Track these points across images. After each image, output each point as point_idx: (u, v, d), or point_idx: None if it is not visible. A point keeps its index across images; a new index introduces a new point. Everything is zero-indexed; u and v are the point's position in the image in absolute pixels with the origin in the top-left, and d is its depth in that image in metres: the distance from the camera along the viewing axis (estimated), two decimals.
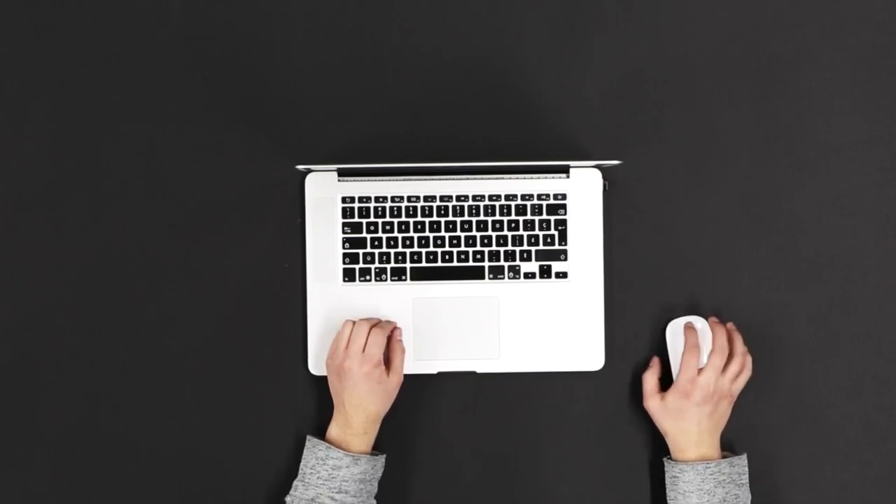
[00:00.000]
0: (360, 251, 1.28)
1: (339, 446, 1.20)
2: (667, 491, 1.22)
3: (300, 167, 1.23)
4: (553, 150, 1.29)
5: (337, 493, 1.18)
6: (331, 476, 1.18)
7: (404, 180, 1.28)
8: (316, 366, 1.28)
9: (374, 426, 1.22)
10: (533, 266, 1.28)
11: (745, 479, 1.22)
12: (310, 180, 1.28)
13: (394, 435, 1.25)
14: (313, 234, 1.28)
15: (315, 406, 1.28)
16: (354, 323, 1.22)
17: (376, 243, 1.28)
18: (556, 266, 1.28)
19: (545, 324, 1.27)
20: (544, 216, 1.28)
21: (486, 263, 1.28)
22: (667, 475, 1.22)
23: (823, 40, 1.30)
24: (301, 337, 1.29)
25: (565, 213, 1.28)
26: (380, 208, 1.28)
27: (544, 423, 1.27)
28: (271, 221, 1.29)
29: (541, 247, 1.28)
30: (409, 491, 1.28)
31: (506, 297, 1.28)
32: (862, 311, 1.29)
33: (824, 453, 1.29)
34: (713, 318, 1.26)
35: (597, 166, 1.28)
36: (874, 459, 1.29)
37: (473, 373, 1.29)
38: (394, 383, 1.22)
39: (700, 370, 1.21)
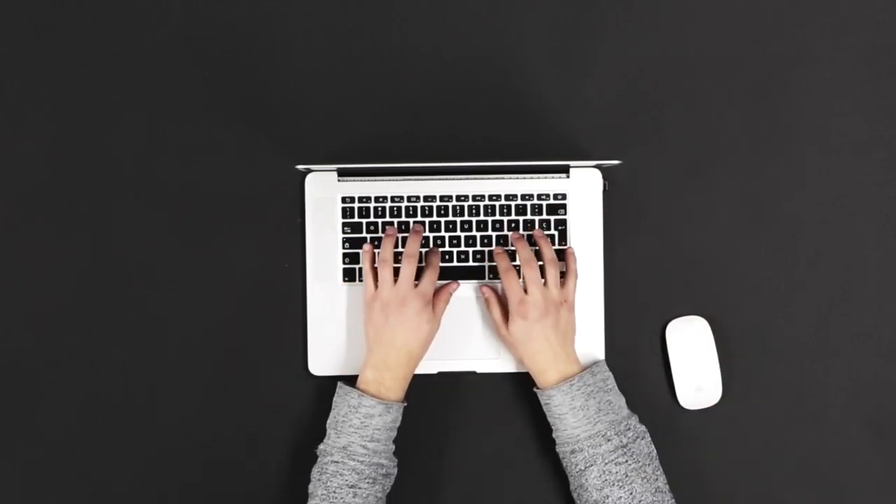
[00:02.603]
0: (361, 251, 1.28)
1: (373, 391, 1.19)
2: (548, 420, 1.21)
3: (300, 167, 1.23)
4: (553, 150, 1.29)
5: (369, 441, 1.16)
6: (363, 424, 1.17)
7: (404, 180, 1.28)
8: (316, 366, 1.28)
9: (411, 371, 1.21)
10: None
11: (612, 383, 1.21)
12: (310, 180, 1.28)
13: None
14: (313, 234, 1.28)
15: (315, 406, 1.28)
16: (403, 257, 1.20)
17: (376, 243, 1.28)
18: None
19: None
20: (544, 216, 1.28)
21: (486, 263, 1.28)
22: (543, 406, 1.21)
23: (823, 40, 1.30)
24: (301, 337, 1.29)
25: (565, 213, 1.28)
26: (380, 208, 1.28)
27: (544, 423, 1.27)
28: (271, 221, 1.29)
29: None
30: (409, 490, 1.28)
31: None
32: (862, 311, 1.29)
33: (824, 453, 1.29)
34: (514, 234, 1.26)
35: (597, 166, 1.28)
36: (874, 459, 1.29)
37: (473, 373, 1.29)
38: (433, 328, 1.22)
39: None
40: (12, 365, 1.29)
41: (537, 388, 1.21)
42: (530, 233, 1.27)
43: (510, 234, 1.27)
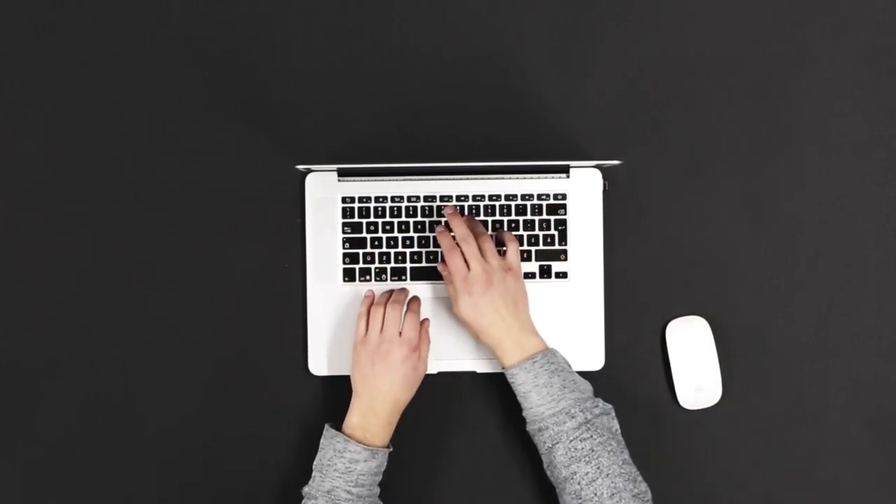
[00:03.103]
0: (360, 251, 1.28)
1: (359, 436, 1.19)
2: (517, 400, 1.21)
3: (300, 167, 1.23)
4: (553, 150, 1.29)
5: (353, 486, 1.16)
6: (348, 469, 1.17)
7: (404, 180, 1.28)
8: (316, 366, 1.28)
9: (397, 417, 1.21)
10: (533, 266, 1.28)
11: (573, 370, 1.20)
12: (310, 180, 1.28)
13: (393, 435, 1.24)
14: (313, 234, 1.28)
15: (315, 406, 1.28)
16: (386, 306, 1.21)
17: (376, 243, 1.28)
18: (556, 266, 1.28)
19: (545, 324, 1.26)
20: (544, 216, 1.28)
21: None
22: (511, 386, 1.21)
23: (823, 40, 1.30)
24: (301, 337, 1.29)
25: (565, 213, 1.28)
26: (380, 208, 1.28)
27: None
28: (271, 221, 1.29)
29: (541, 247, 1.28)
30: (409, 491, 1.28)
31: None
32: (862, 311, 1.29)
33: (824, 453, 1.29)
34: (447, 209, 1.25)
35: (597, 166, 1.28)
36: (874, 459, 1.29)
37: (473, 373, 1.29)
38: (421, 372, 1.22)
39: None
40: (12, 365, 1.29)
41: (503, 368, 1.21)
42: (455, 215, 1.25)
43: (444, 209, 1.26)
